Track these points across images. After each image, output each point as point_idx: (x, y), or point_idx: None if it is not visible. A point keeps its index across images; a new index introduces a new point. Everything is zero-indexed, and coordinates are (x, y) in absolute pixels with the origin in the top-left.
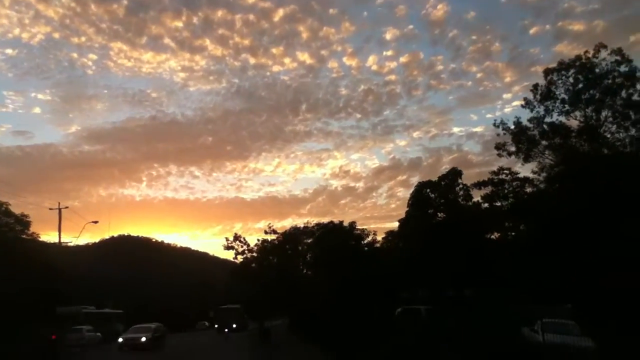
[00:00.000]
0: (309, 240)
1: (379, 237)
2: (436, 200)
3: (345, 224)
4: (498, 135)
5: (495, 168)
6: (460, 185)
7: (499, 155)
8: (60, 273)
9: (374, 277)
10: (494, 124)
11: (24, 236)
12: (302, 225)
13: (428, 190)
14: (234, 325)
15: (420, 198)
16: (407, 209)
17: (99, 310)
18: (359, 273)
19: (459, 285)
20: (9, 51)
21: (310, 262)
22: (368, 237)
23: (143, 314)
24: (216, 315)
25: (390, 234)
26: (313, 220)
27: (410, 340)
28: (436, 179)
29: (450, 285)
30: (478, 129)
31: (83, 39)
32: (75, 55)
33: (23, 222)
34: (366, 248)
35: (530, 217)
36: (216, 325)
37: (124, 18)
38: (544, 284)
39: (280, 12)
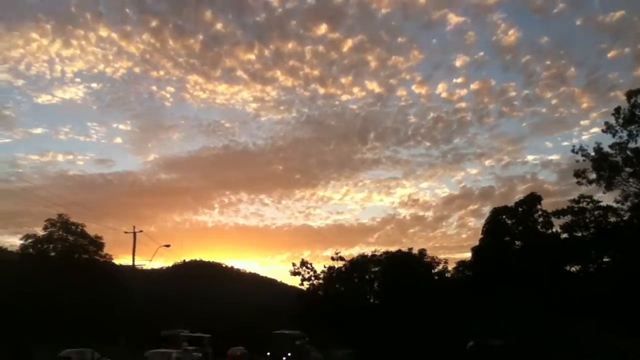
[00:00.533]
0: (377, 269)
1: (450, 267)
2: (513, 227)
3: (415, 252)
4: (577, 162)
5: (573, 198)
6: (540, 212)
7: (579, 183)
8: (133, 294)
9: (445, 307)
10: (573, 150)
11: (98, 257)
12: (369, 254)
13: (504, 216)
14: (289, 354)
15: (496, 224)
16: (481, 236)
17: (193, 334)
18: (429, 303)
19: (536, 319)
20: (94, 85)
21: (378, 290)
22: (439, 265)
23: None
24: (271, 342)
25: (461, 264)
26: (381, 249)
27: None
28: (513, 204)
29: (527, 318)
30: (554, 157)
31: (162, 72)
32: (154, 88)
33: (97, 243)
34: (436, 277)
35: (617, 248)
36: (268, 354)
37: (200, 52)
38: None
39: (349, 43)
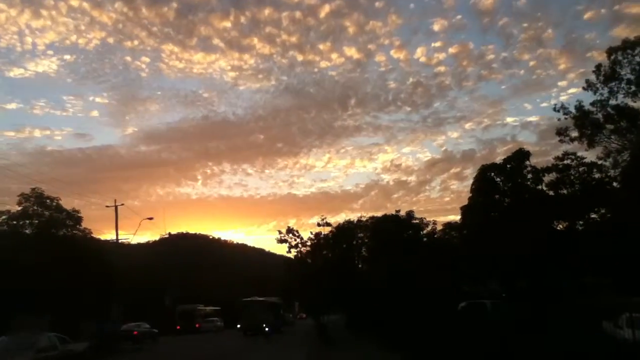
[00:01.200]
0: (363, 234)
1: (438, 229)
2: (502, 185)
3: (402, 214)
4: (558, 120)
5: (552, 158)
6: (529, 168)
7: (561, 141)
8: (117, 268)
9: (435, 269)
10: (554, 109)
11: (76, 232)
12: (355, 219)
13: (492, 174)
14: (266, 327)
15: (485, 182)
16: (469, 194)
17: (206, 308)
18: (418, 265)
19: (531, 276)
20: (67, 57)
21: (366, 256)
22: (427, 227)
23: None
24: (242, 312)
25: (447, 225)
26: (366, 215)
27: (474, 338)
28: (501, 161)
29: (521, 276)
30: (533, 119)
31: (136, 42)
32: (129, 58)
33: (74, 217)
34: (425, 239)
35: (603, 204)
36: (239, 326)
37: (174, 21)
38: (626, 273)
39: (327, 8)
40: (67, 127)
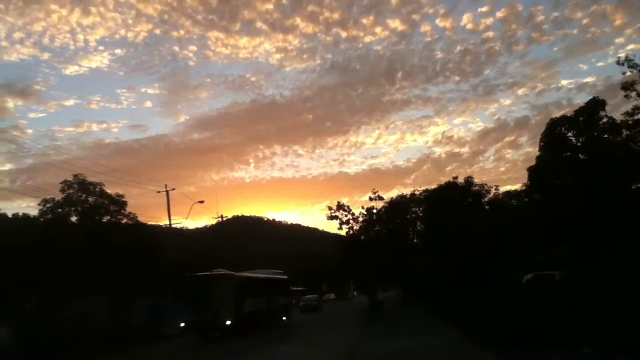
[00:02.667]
0: (418, 208)
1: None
2: (575, 140)
3: (460, 181)
4: (623, 74)
5: (626, 110)
6: (605, 119)
7: (626, 96)
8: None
9: (498, 239)
10: (618, 62)
11: (121, 217)
12: (408, 194)
13: (563, 128)
14: (227, 321)
15: (555, 138)
16: (538, 152)
17: (296, 288)
18: (479, 236)
19: (610, 242)
20: (117, 51)
21: (421, 230)
22: (489, 193)
23: None
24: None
25: (507, 194)
26: (420, 188)
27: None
28: (572, 113)
29: (598, 243)
30: (589, 79)
31: (182, 32)
32: (176, 48)
33: (119, 202)
34: (487, 207)
35: None
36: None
37: (218, 7)
38: None
39: None
40: (123, 120)
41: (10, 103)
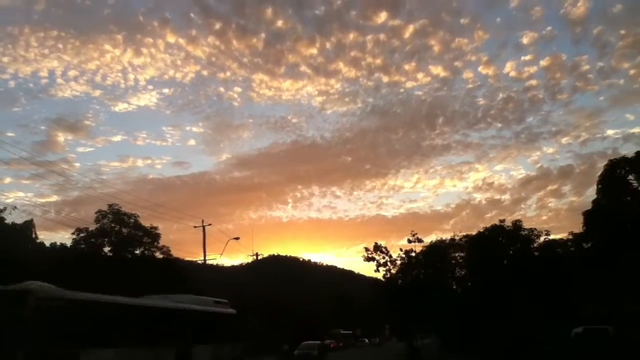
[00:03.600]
0: (458, 254)
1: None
2: (637, 182)
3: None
4: None
5: None
6: None
7: None
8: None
9: (546, 288)
10: None
11: (154, 249)
12: (447, 238)
13: (623, 170)
14: None
15: (613, 181)
16: (595, 196)
17: (345, 331)
18: (526, 284)
19: None
20: (165, 90)
21: (461, 276)
22: (539, 238)
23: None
24: None
25: (549, 244)
26: (460, 233)
27: None
28: (633, 155)
29: None
30: (636, 130)
31: (228, 73)
32: (222, 89)
33: (152, 234)
34: (536, 253)
35: None
36: None
37: (263, 50)
38: None
39: (411, 28)
40: (166, 156)
41: (61, 137)
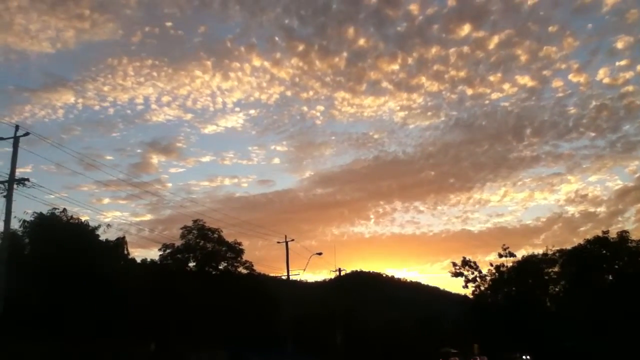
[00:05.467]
0: (551, 270)
1: None
2: None
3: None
4: None
5: None
6: None
7: None
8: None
9: None
10: None
11: (237, 264)
12: (540, 253)
13: None
14: None
15: None
16: None
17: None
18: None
19: None
20: (251, 112)
21: (555, 293)
22: None
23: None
24: None
25: None
26: (552, 248)
27: None
28: None
29: None
30: None
31: (311, 93)
32: (305, 108)
33: (236, 249)
34: None
35: None
36: None
37: (345, 69)
38: None
39: (495, 39)
40: (252, 175)
41: (155, 159)
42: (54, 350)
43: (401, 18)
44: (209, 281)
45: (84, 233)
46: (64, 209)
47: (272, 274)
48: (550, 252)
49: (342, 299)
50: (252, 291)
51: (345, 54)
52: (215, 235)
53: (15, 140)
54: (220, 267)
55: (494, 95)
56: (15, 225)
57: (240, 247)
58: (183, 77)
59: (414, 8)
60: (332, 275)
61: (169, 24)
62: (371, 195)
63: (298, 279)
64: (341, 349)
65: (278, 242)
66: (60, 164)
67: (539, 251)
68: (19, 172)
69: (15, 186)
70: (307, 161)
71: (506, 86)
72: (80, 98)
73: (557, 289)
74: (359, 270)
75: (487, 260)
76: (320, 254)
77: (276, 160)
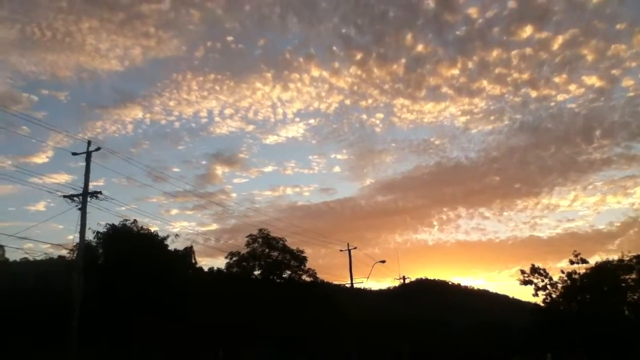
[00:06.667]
0: (629, 277)
1: None
2: None
3: None
4: None
5: None
6: None
7: None
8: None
9: None
10: None
11: (301, 272)
12: (615, 259)
13: None
14: None
15: None
16: None
17: None
18: None
19: None
20: (311, 121)
21: (634, 301)
22: None
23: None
24: None
25: None
26: (629, 254)
27: None
28: None
29: None
30: None
31: (370, 101)
32: (364, 116)
33: (300, 258)
34: None
35: None
36: None
37: (404, 76)
38: None
39: (559, 39)
40: (313, 184)
41: (219, 170)
42: (125, 358)
43: (460, 22)
44: (274, 288)
45: (154, 243)
46: (135, 220)
47: (335, 282)
48: (626, 258)
49: (406, 308)
50: (317, 299)
51: (403, 61)
52: (280, 244)
53: (88, 155)
54: (285, 275)
55: (560, 97)
56: (89, 236)
57: (304, 255)
58: (244, 89)
59: (473, 12)
60: (396, 283)
61: (230, 38)
62: (434, 201)
63: (362, 287)
64: (406, 358)
65: (340, 250)
66: (131, 176)
67: (614, 257)
68: (92, 185)
69: (88, 199)
70: (368, 169)
71: (572, 87)
72: (148, 113)
73: (635, 297)
74: (423, 278)
75: (558, 267)
76: (383, 261)
77: (337, 169)
